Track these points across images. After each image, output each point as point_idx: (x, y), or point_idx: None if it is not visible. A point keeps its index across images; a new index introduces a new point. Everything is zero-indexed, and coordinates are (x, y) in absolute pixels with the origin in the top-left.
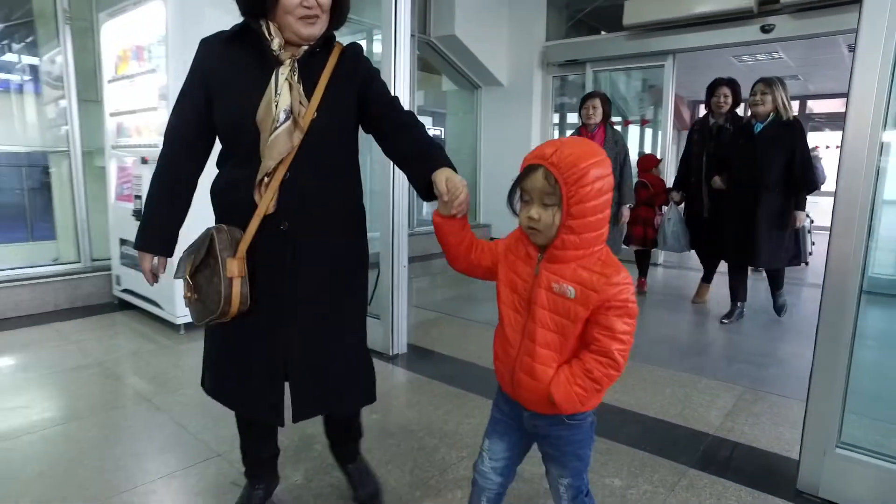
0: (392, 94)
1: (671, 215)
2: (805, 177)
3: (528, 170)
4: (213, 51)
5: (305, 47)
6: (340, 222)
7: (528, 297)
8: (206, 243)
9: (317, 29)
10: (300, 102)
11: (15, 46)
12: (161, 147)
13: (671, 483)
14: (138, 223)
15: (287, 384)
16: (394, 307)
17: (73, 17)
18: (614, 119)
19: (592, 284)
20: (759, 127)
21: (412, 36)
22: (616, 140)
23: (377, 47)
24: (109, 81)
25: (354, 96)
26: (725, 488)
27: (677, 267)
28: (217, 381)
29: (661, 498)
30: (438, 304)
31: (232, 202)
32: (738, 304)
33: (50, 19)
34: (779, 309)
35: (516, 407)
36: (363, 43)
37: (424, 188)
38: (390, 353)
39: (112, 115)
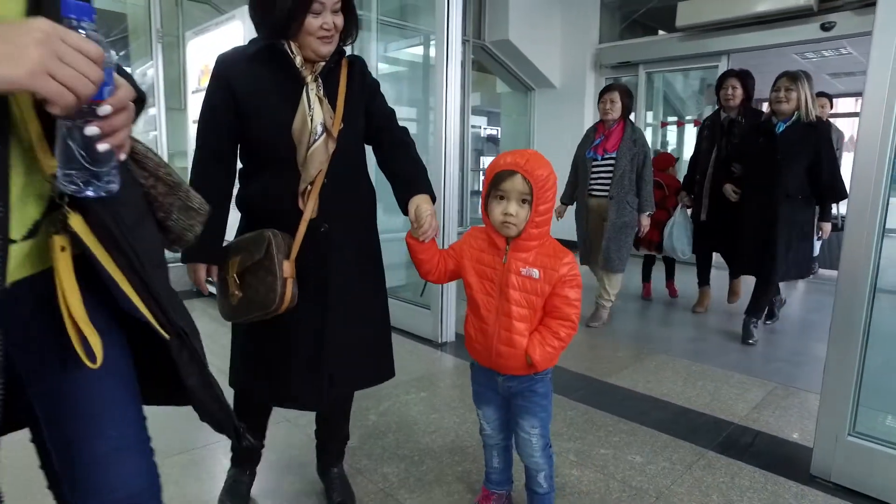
0: (390, 108)
1: (677, 218)
2: (833, 184)
3: (505, 174)
4: (236, 67)
5: (322, 63)
6: (363, 218)
7: (499, 282)
8: (262, 246)
9: (332, 47)
10: (329, 116)
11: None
12: (194, 161)
13: (689, 462)
14: None
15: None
16: (443, 299)
17: (164, 35)
18: (669, 119)
19: (551, 265)
20: (781, 127)
21: (466, 41)
22: (635, 139)
23: (434, 52)
24: (193, 92)
25: (363, 107)
26: (740, 469)
27: (716, 266)
28: (255, 375)
29: (678, 473)
30: None
31: (272, 210)
32: (774, 301)
33: (142, 35)
34: (748, 334)
35: (491, 376)
36: (420, 48)
37: (404, 207)
38: (439, 341)
39: (195, 122)
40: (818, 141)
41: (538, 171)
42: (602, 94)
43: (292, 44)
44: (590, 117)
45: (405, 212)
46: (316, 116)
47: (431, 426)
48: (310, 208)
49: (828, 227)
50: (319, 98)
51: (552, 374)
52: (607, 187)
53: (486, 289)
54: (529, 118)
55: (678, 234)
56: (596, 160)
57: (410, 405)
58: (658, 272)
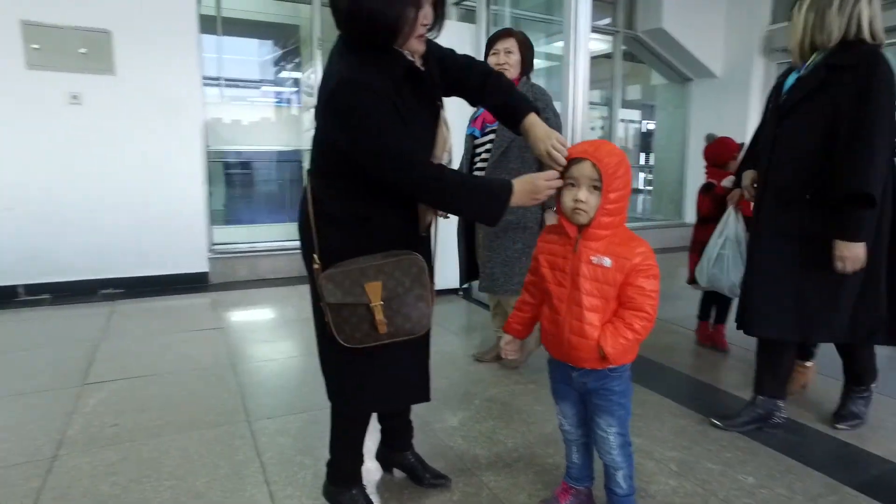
0: (461, 56)
1: (728, 230)
2: (851, 167)
3: (575, 161)
4: (388, 88)
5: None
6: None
7: (570, 272)
8: (413, 272)
9: (425, 45)
10: (451, 137)
11: (287, 67)
12: (427, 169)
13: (814, 494)
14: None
15: None
16: None
17: (323, 41)
18: None
19: (624, 254)
20: (791, 79)
21: (617, 32)
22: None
23: (596, 46)
24: None
25: (441, 91)
26: None
27: None
28: (390, 388)
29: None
30: None
31: (394, 228)
32: (760, 398)
33: (311, 44)
34: (839, 417)
35: (565, 370)
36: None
37: (517, 129)
38: None
39: None
40: (840, 91)
41: (607, 159)
42: (492, 42)
43: (404, 51)
44: (756, 107)
45: (520, 133)
46: (448, 139)
47: (532, 417)
48: (432, 224)
49: (850, 249)
50: (446, 119)
51: (630, 372)
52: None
53: (558, 279)
54: (686, 111)
55: (733, 257)
56: (476, 137)
57: (516, 395)
58: None
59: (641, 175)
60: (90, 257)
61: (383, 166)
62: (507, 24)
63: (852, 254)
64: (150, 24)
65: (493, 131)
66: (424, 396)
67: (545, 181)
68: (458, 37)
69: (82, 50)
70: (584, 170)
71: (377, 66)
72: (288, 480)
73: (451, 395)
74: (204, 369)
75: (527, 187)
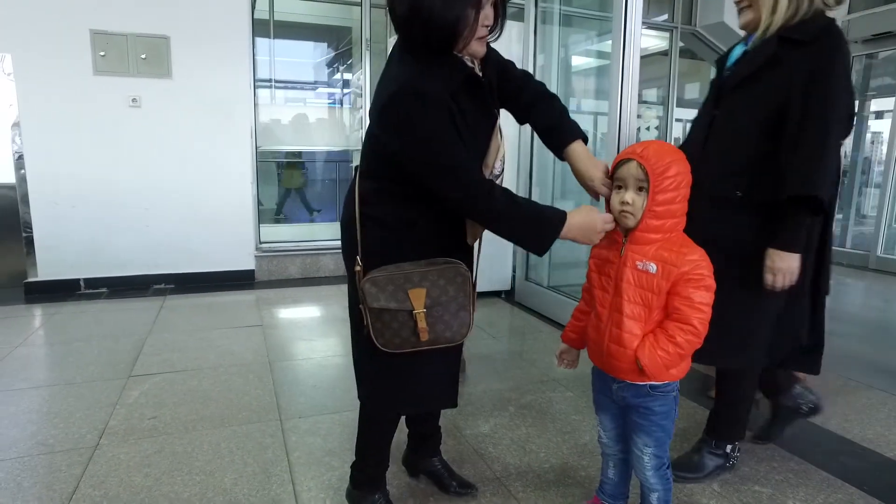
0: (520, 70)
1: None
2: (799, 163)
3: (621, 163)
4: (444, 96)
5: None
6: None
7: (615, 276)
8: (457, 281)
9: (485, 48)
10: (504, 148)
11: (339, 68)
12: (478, 185)
13: None
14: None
15: None
16: None
17: (372, 43)
18: None
19: (672, 261)
20: (737, 52)
21: (674, 28)
22: None
23: (651, 42)
24: None
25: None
26: None
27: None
28: (421, 393)
29: None
30: None
31: (440, 235)
32: (723, 444)
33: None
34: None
35: (606, 381)
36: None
37: (560, 155)
38: None
39: None
40: (792, 71)
41: (655, 158)
42: None
43: (465, 56)
44: None
45: (563, 158)
46: (501, 149)
47: (568, 426)
48: (478, 236)
49: (785, 261)
50: (501, 128)
51: (677, 392)
52: None
53: (603, 283)
54: None
55: None
56: None
57: (553, 403)
58: None
59: None
60: (144, 253)
61: (432, 177)
62: (556, 21)
63: (787, 266)
64: (205, 30)
65: None
66: (452, 402)
67: (604, 223)
68: (506, 34)
69: (143, 55)
70: (631, 170)
71: (435, 72)
72: (314, 482)
73: (485, 400)
74: (243, 365)
75: (583, 223)
